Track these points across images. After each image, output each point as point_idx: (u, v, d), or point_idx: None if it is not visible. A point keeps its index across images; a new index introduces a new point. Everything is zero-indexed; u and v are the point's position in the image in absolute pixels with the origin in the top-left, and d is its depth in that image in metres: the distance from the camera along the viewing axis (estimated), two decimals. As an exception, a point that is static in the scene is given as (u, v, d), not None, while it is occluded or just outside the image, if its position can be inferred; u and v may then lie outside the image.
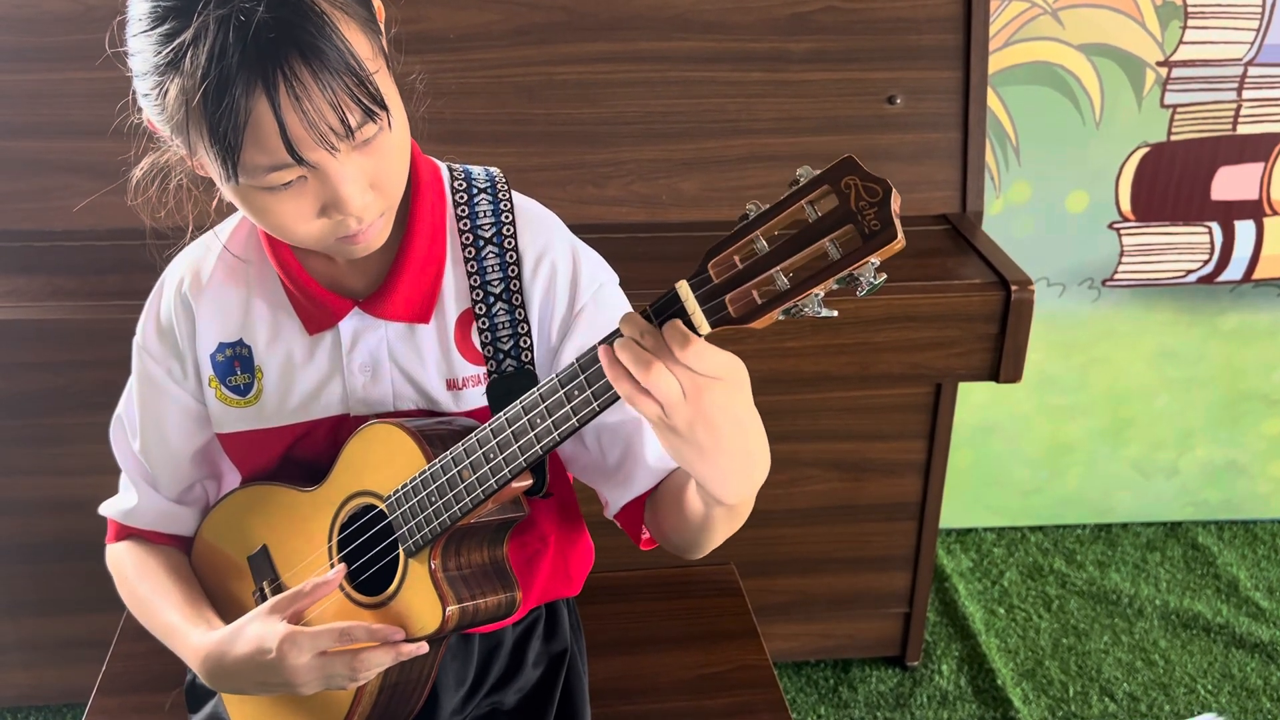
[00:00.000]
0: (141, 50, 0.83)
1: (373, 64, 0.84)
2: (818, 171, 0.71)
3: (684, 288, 0.76)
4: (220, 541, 1.11)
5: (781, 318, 0.74)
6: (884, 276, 0.70)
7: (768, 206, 0.73)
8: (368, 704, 1.01)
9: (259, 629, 0.96)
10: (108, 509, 1.13)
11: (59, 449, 1.70)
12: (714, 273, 0.75)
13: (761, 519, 1.84)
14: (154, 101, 0.84)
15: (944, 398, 1.81)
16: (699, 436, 0.78)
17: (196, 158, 0.87)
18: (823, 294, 0.72)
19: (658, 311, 0.77)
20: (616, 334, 0.79)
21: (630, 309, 1.03)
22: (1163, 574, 2.30)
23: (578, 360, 0.83)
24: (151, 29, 0.81)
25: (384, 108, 0.84)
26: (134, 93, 0.88)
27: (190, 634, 1.02)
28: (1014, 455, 2.34)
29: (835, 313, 0.73)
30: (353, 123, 0.82)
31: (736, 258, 0.74)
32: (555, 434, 0.86)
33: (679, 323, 0.75)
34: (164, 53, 0.80)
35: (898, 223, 0.68)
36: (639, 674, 1.31)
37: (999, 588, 2.26)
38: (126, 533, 1.13)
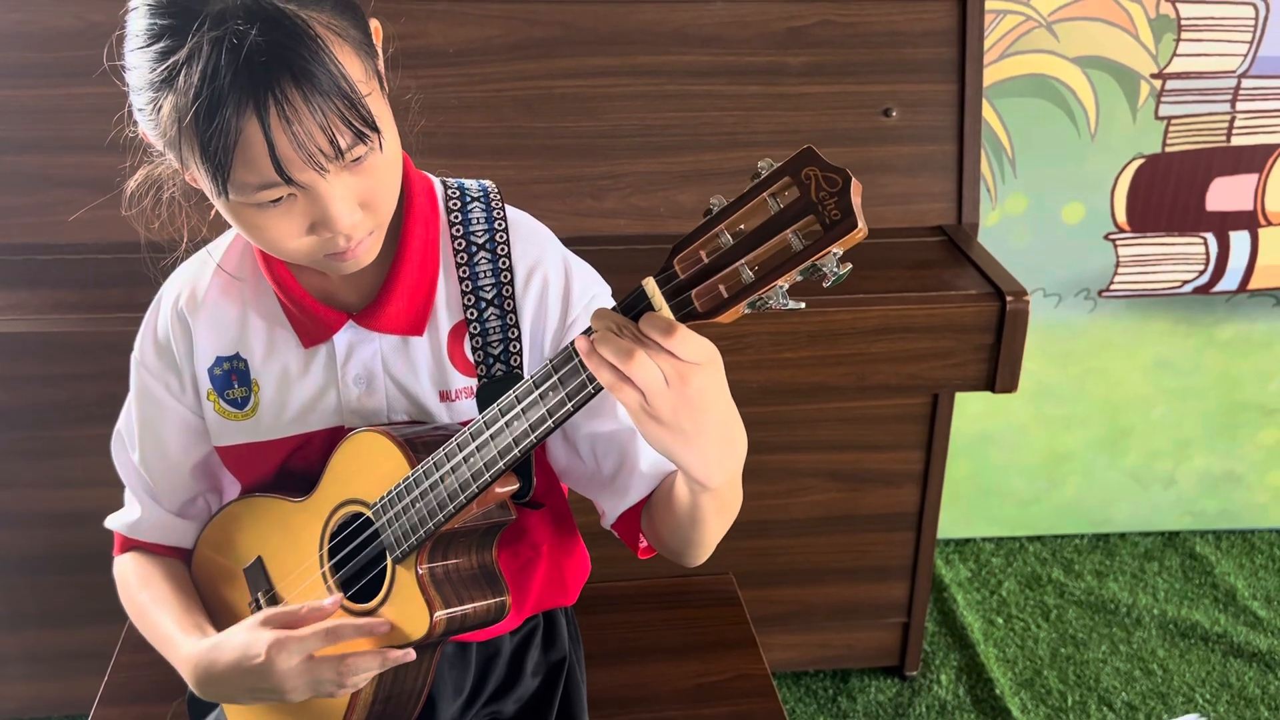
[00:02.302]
0: (137, 66, 0.84)
1: (365, 86, 0.85)
2: (778, 164, 0.71)
3: (650, 284, 0.77)
4: (217, 553, 1.12)
5: (748, 310, 0.74)
6: (848, 267, 0.71)
7: (731, 201, 0.73)
8: (361, 715, 1.02)
9: (246, 636, 0.97)
10: (113, 522, 1.14)
11: (60, 461, 1.71)
12: (680, 268, 0.75)
13: (760, 529, 1.87)
14: (148, 116, 0.85)
15: (941, 408, 1.82)
16: (683, 422, 0.79)
17: (189, 172, 0.88)
18: (787, 285, 0.72)
19: (626, 308, 0.78)
20: (589, 330, 0.80)
21: None
22: (1160, 583, 2.31)
23: (551, 360, 0.84)
24: (148, 46, 0.83)
25: (375, 130, 0.85)
26: (129, 106, 0.89)
27: (183, 643, 1.03)
28: (1012, 465, 2.34)
29: (802, 304, 0.74)
30: (342, 144, 0.83)
31: (702, 253, 0.74)
32: (532, 435, 0.86)
33: (664, 313, 0.76)
34: (159, 70, 0.82)
35: (858, 212, 0.69)
36: (637, 683, 1.32)
37: (997, 597, 2.27)
38: (130, 545, 1.14)
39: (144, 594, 1.09)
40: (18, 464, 1.71)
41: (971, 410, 2.25)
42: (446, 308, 1.02)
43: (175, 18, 0.81)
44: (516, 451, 0.88)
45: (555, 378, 0.83)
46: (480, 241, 1.01)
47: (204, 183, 0.86)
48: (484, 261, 1.00)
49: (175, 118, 0.82)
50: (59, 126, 1.64)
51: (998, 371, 1.63)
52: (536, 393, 0.85)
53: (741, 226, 0.73)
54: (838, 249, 0.70)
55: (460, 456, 0.91)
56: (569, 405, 0.83)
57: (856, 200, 0.69)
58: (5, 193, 1.65)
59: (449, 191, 1.04)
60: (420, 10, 1.67)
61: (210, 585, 1.13)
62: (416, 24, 1.67)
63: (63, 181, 1.65)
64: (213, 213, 0.99)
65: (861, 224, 0.69)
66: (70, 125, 1.64)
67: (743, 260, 0.72)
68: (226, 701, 1.04)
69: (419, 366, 1.02)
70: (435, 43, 1.68)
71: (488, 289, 1.00)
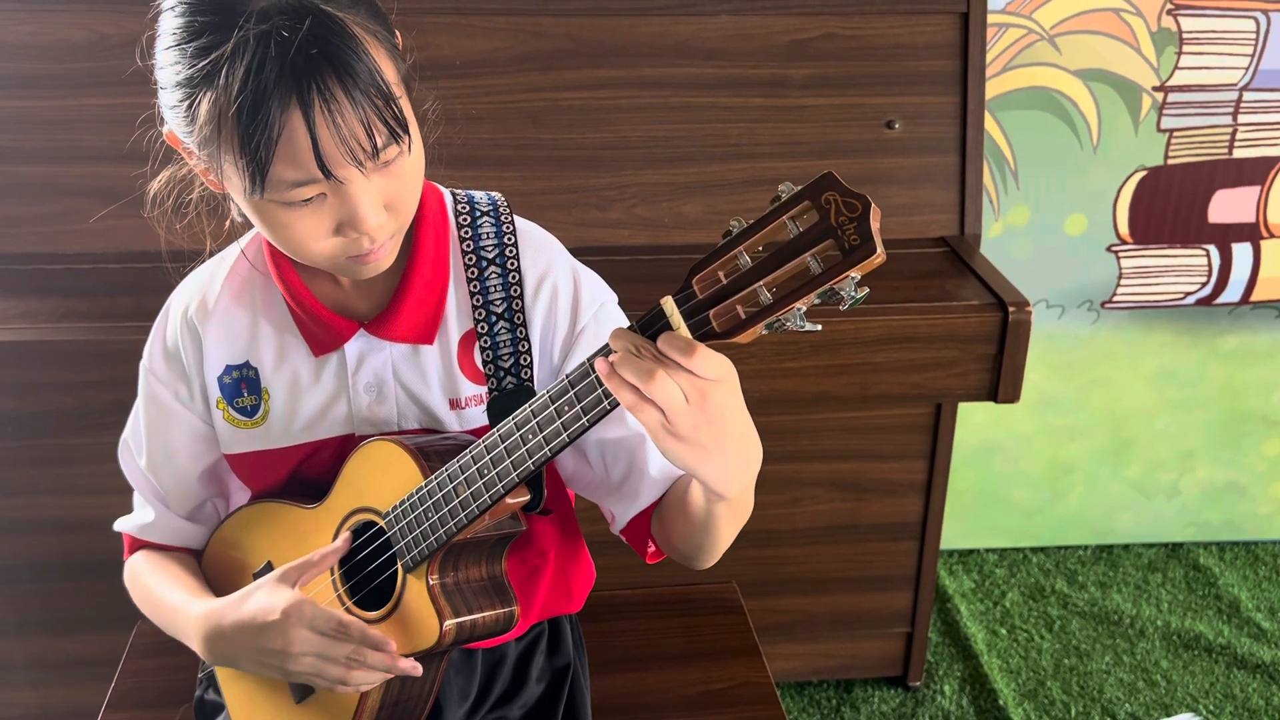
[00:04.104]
0: (173, 63, 0.85)
1: (397, 89, 0.87)
2: (799, 187, 0.72)
3: (669, 303, 0.78)
4: (226, 558, 1.13)
5: (765, 332, 0.75)
6: (865, 291, 0.72)
7: (750, 223, 0.74)
8: (369, 719, 1.03)
9: (266, 594, 0.97)
10: (123, 524, 1.15)
11: (68, 469, 1.72)
12: (698, 288, 0.76)
13: (763, 539, 1.87)
14: (181, 114, 0.86)
15: (944, 418, 1.82)
16: (702, 437, 0.80)
17: (220, 171, 0.88)
18: (805, 308, 0.73)
19: (644, 327, 0.79)
20: (607, 349, 0.81)
21: None
22: (1164, 595, 2.31)
23: (567, 376, 0.85)
24: (186, 42, 0.83)
25: (408, 131, 0.87)
26: (158, 106, 0.90)
27: (191, 605, 1.03)
28: (1015, 476, 2.35)
29: (818, 326, 0.74)
30: (379, 142, 0.85)
31: (720, 273, 0.75)
32: (547, 449, 0.87)
33: (682, 332, 0.77)
34: (200, 65, 0.82)
35: (878, 238, 0.70)
36: (641, 691, 1.32)
37: (1001, 608, 2.27)
38: (140, 545, 1.14)
39: (153, 578, 1.10)
40: (26, 471, 1.72)
41: (975, 421, 2.26)
42: (456, 317, 1.03)
43: (216, 14, 0.82)
44: (531, 464, 0.89)
45: (571, 393, 0.84)
46: (490, 256, 1.02)
47: (237, 180, 0.86)
48: (494, 276, 1.02)
49: (214, 114, 0.83)
50: (69, 136, 1.66)
51: (1000, 382, 1.64)
52: (552, 408, 0.86)
53: (760, 249, 0.74)
54: (856, 273, 0.71)
55: (475, 468, 0.92)
56: (584, 420, 0.84)
57: (876, 226, 0.70)
58: (15, 202, 1.67)
59: (459, 204, 1.05)
60: (427, 23, 1.69)
61: (220, 589, 1.13)
62: (424, 36, 1.68)
63: (72, 191, 1.67)
64: (229, 220, 1.00)
65: (880, 250, 0.70)
66: (80, 135, 1.66)
67: (761, 282, 0.73)
68: (229, 663, 1.03)
69: (429, 375, 1.03)
70: (442, 55, 1.70)
71: (498, 302, 1.01)
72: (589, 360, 0.82)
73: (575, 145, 1.74)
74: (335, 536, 1.03)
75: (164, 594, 1.08)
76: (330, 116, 0.82)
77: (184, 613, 1.04)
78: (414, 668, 0.96)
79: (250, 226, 1.01)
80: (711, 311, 0.76)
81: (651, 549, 1.05)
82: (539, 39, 1.71)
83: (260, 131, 0.81)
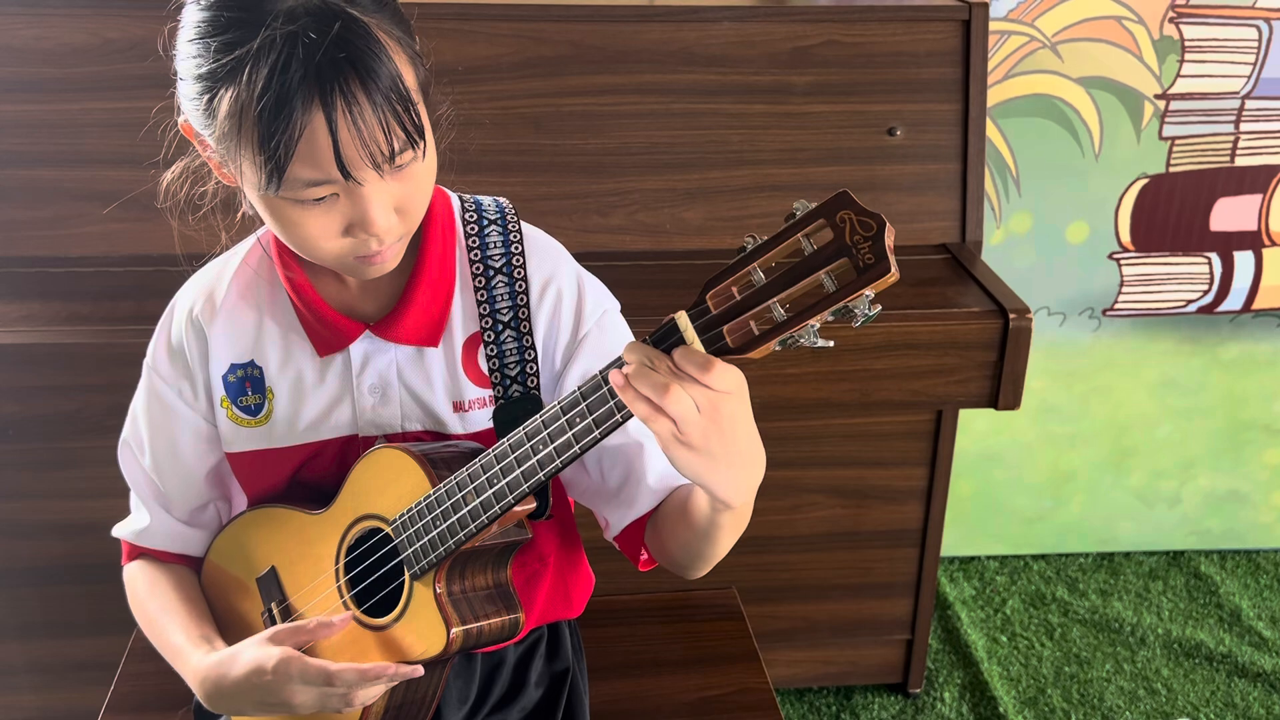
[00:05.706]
0: (195, 56, 0.85)
1: (416, 95, 0.88)
2: (814, 205, 0.73)
3: (683, 318, 0.78)
4: (229, 563, 1.13)
5: (778, 348, 0.76)
6: (878, 308, 0.73)
7: (765, 239, 0.75)
8: (374, 724, 1.03)
9: (257, 653, 0.97)
10: (120, 530, 1.15)
11: (69, 472, 1.72)
12: (712, 304, 0.77)
13: (763, 545, 1.87)
14: (199, 108, 0.86)
15: (944, 425, 1.82)
16: (713, 447, 0.81)
17: (235, 166, 0.88)
18: (818, 325, 0.74)
19: (657, 341, 0.80)
20: (619, 362, 0.82)
21: (631, 335, 1.05)
22: (1165, 603, 2.31)
23: (579, 388, 0.85)
24: (211, 36, 0.83)
25: (424, 137, 0.88)
26: (176, 96, 0.90)
27: (191, 655, 1.04)
28: (1016, 484, 2.35)
29: (831, 343, 0.75)
30: (396, 146, 0.85)
31: (734, 289, 0.76)
32: (558, 459, 0.88)
33: (696, 347, 0.78)
34: (223, 61, 0.82)
35: (892, 257, 0.70)
36: (640, 696, 1.32)
37: (1001, 616, 2.27)
38: (139, 552, 1.14)
39: (152, 603, 1.10)
40: (27, 474, 1.72)
41: (976, 428, 2.26)
42: (461, 320, 1.03)
43: (242, 10, 0.82)
44: (541, 475, 0.89)
45: (583, 405, 0.85)
46: (497, 265, 1.03)
47: (252, 176, 0.86)
48: (501, 284, 1.02)
49: (235, 110, 0.83)
50: (72, 140, 1.66)
51: (1000, 389, 1.64)
52: (564, 419, 0.86)
53: (774, 265, 0.75)
54: (870, 291, 0.71)
55: (485, 477, 0.92)
56: (596, 432, 0.85)
57: (890, 244, 0.70)
58: (19, 205, 1.67)
59: (466, 209, 1.05)
60: (430, 29, 1.69)
61: (222, 594, 1.14)
62: (427, 42, 1.66)
63: (75, 195, 1.67)
64: (240, 213, 1.01)
65: (895, 269, 0.71)
66: (83, 139, 1.66)
67: (775, 299, 0.74)
68: (236, 714, 1.05)
69: (434, 377, 1.03)
70: (445, 61, 1.70)
71: (504, 311, 1.02)
72: (602, 373, 0.83)
73: (577, 151, 1.74)
74: (340, 542, 1.04)
75: (163, 628, 1.08)
76: (352, 119, 0.82)
77: (183, 660, 1.05)
78: (413, 671, 0.96)
79: (261, 222, 1.01)
80: (725, 327, 0.76)
81: (644, 556, 1.05)
82: (541, 45, 1.72)
83: (282, 131, 0.81)
